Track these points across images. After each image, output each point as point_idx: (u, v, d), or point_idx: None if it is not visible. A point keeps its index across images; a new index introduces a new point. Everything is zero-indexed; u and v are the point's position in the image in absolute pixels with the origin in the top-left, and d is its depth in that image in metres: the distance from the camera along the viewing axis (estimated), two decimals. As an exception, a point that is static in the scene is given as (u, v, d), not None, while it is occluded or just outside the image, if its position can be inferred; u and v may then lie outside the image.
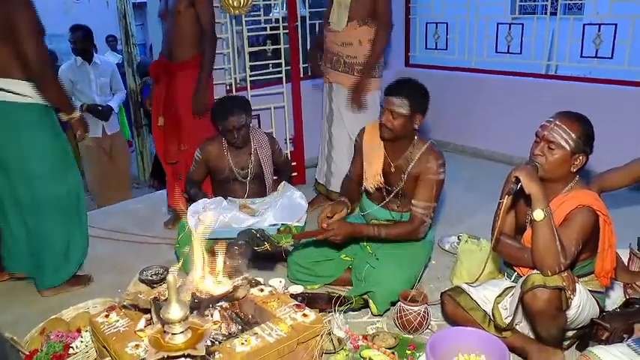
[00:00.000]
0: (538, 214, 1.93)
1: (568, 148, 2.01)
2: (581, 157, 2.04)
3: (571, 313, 2.00)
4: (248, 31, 4.17)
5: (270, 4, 4.47)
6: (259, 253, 2.40)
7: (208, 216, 2.73)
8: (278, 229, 2.69)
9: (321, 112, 3.95)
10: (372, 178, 2.74)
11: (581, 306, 2.01)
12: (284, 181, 3.26)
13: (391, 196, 2.71)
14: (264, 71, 4.32)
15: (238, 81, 4.29)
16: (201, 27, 3.35)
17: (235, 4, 3.85)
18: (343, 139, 3.65)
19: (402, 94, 2.52)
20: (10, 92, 2.55)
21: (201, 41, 3.39)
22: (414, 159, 2.61)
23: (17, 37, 2.44)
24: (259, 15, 4.30)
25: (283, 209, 2.91)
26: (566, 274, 1.95)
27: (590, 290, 2.09)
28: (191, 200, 3.09)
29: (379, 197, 2.77)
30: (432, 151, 2.60)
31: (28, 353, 2.15)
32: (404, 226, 2.62)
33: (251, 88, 4.18)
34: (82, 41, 4.68)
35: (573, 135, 2.00)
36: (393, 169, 2.67)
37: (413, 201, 2.60)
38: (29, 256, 2.85)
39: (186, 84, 3.39)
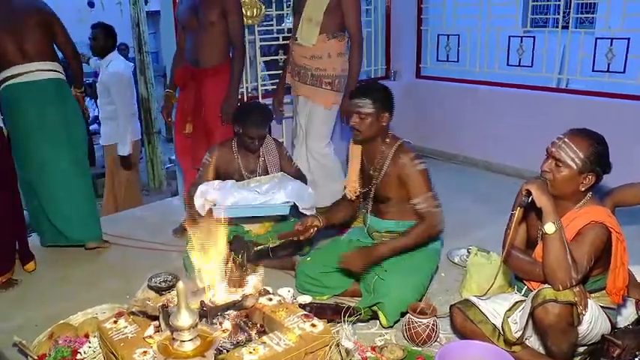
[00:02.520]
0: (549, 227, 1.91)
1: (575, 167, 1.99)
2: (589, 177, 2.01)
3: (582, 328, 1.98)
4: (260, 41, 4.21)
5: (283, 15, 4.51)
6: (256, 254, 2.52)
7: (216, 196, 2.81)
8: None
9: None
10: (349, 184, 2.81)
11: (593, 322, 1.99)
12: (281, 173, 3.25)
13: (370, 198, 2.74)
14: (276, 81, 4.34)
15: (250, 90, 4.32)
16: (230, 35, 3.43)
17: (248, 13, 3.89)
18: (302, 153, 3.65)
19: (364, 94, 2.61)
20: (55, 71, 3.28)
21: (227, 49, 3.48)
22: (388, 158, 2.65)
23: (56, 32, 3.33)
24: (272, 25, 4.34)
25: (293, 190, 3.00)
26: (577, 289, 1.93)
27: (601, 306, 2.07)
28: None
29: (370, 206, 2.81)
30: (402, 148, 2.65)
31: (36, 358, 2.16)
32: (418, 226, 2.62)
33: (262, 98, 4.20)
34: (103, 39, 4.60)
35: (581, 154, 1.98)
36: (371, 172, 2.72)
37: (412, 201, 2.62)
38: (73, 217, 3.37)
39: (215, 89, 3.46)
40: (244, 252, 2.37)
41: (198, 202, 2.95)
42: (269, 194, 2.99)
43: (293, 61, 3.60)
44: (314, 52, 3.46)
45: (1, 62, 3.19)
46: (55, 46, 3.37)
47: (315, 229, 2.71)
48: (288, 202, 2.98)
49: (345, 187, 2.91)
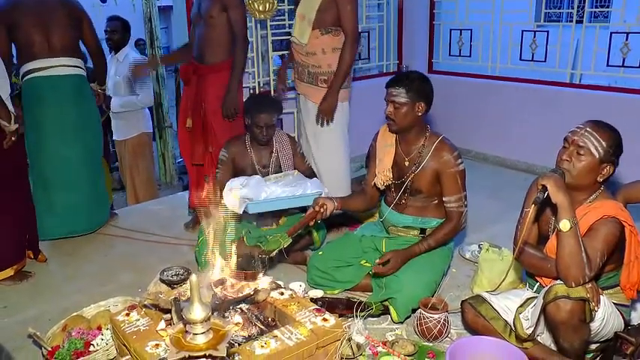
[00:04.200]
0: (565, 225, 1.88)
1: (597, 155, 1.98)
2: (608, 167, 2.01)
3: (595, 325, 1.97)
4: (272, 36, 4.20)
5: (295, 9, 4.49)
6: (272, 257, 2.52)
7: (246, 192, 2.84)
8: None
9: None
10: (382, 173, 2.77)
11: (606, 319, 1.98)
12: (296, 171, 3.24)
13: (401, 190, 2.71)
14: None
15: (262, 85, 4.32)
16: (233, 31, 3.40)
17: (261, 8, 3.88)
18: (308, 150, 3.55)
19: (399, 83, 2.58)
20: (79, 67, 3.43)
21: (232, 45, 3.44)
22: (427, 153, 2.64)
23: (84, 28, 3.46)
24: (284, 19, 4.33)
25: (314, 184, 3.05)
26: (590, 285, 1.92)
27: (615, 303, 2.05)
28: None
29: (393, 199, 2.78)
30: (444, 144, 2.64)
31: (50, 349, 2.18)
32: (445, 225, 2.66)
33: (274, 93, 4.20)
34: (122, 32, 4.60)
35: (604, 143, 1.97)
36: (406, 163, 2.70)
37: (444, 198, 2.64)
38: (83, 209, 3.55)
39: (216, 86, 3.44)
40: (260, 265, 2.36)
41: (229, 199, 2.95)
42: (295, 186, 3.01)
43: (293, 58, 3.55)
44: (308, 49, 3.37)
45: (26, 54, 3.27)
46: (80, 41, 3.47)
47: (324, 209, 2.65)
48: (318, 191, 2.99)
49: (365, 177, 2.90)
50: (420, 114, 2.60)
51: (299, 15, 3.37)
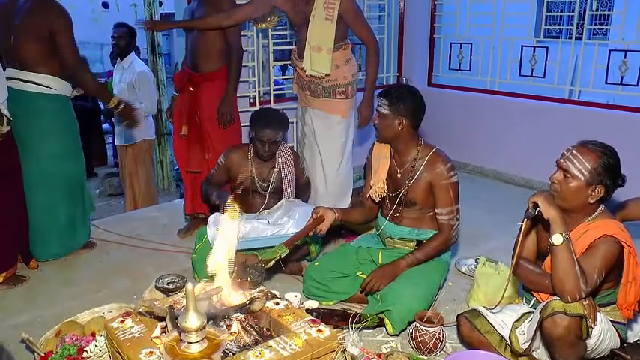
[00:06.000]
0: (557, 239, 1.90)
1: (582, 178, 1.98)
2: (598, 189, 2.00)
3: (591, 342, 1.97)
4: (274, 45, 4.22)
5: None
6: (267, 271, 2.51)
7: (228, 227, 2.79)
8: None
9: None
10: (376, 185, 2.77)
11: (602, 336, 1.98)
12: (285, 199, 3.21)
13: (396, 203, 2.71)
14: (289, 85, 4.35)
15: (262, 94, 4.33)
16: (227, 40, 3.41)
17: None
18: (316, 163, 3.55)
19: (386, 95, 2.61)
20: (36, 84, 3.10)
21: (225, 54, 3.46)
22: (421, 165, 2.64)
23: (60, 41, 3.09)
24: (285, 30, 4.35)
25: (300, 218, 2.95)
26: (587, 302, 1.92)
27: (611, 320, 2.05)
28: (208, 202, 3.13)
29: (389, 211, 2.78)
30: (438, 156, 2.63)
31: (43, 354, 2.17)
32: (436, 238, 2.66)
33: (274, 102, 4.21)
34: (128, 39, 4.61)
35: (588, 166, 1.97)
36: (399, 175, 2.70)
37: (436, 210, 2.64)
38: (33, 231, 3.25)
39: (210, 94, 3.45)
40: (256, 274, 2.35)
41: (210, 232, 2.93)
42: (277, 225, 2.97)
43: (299, 75, 3.51)
44: None
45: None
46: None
47: (323, 221, 2.65)
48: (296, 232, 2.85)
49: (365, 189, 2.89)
50: (401, 129, 2.59)
51: (314, 48, 3.27)
